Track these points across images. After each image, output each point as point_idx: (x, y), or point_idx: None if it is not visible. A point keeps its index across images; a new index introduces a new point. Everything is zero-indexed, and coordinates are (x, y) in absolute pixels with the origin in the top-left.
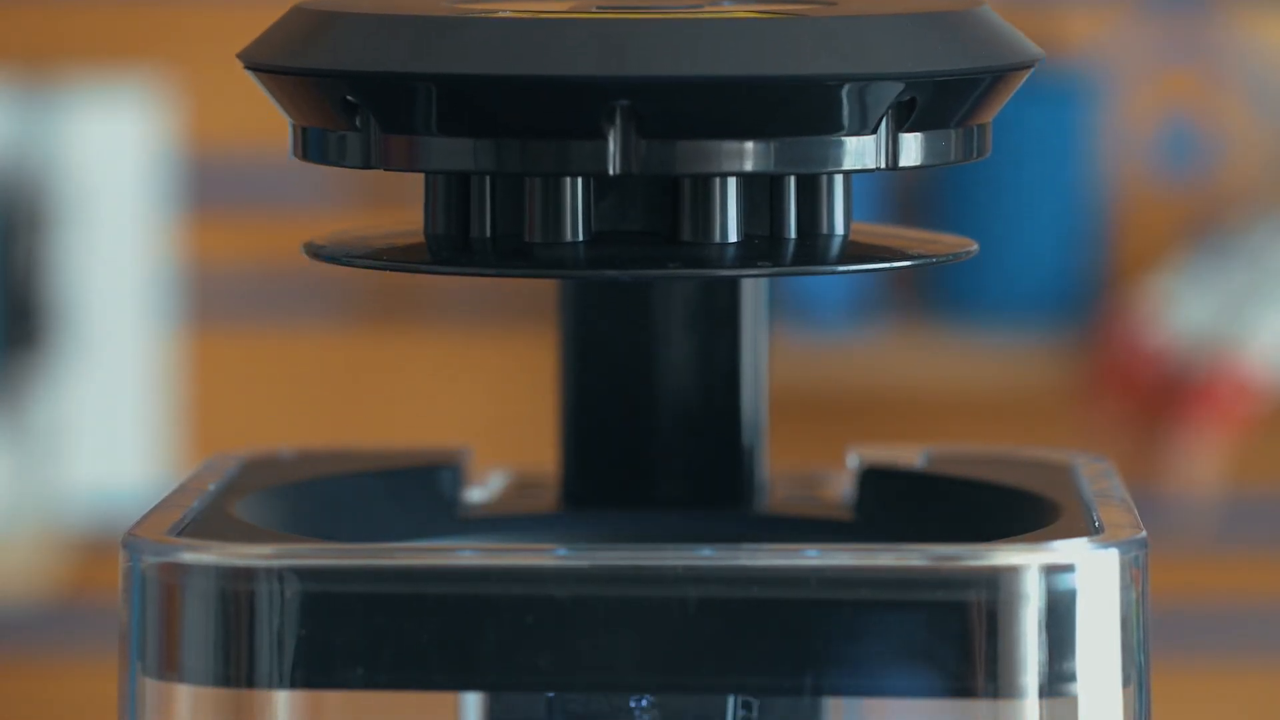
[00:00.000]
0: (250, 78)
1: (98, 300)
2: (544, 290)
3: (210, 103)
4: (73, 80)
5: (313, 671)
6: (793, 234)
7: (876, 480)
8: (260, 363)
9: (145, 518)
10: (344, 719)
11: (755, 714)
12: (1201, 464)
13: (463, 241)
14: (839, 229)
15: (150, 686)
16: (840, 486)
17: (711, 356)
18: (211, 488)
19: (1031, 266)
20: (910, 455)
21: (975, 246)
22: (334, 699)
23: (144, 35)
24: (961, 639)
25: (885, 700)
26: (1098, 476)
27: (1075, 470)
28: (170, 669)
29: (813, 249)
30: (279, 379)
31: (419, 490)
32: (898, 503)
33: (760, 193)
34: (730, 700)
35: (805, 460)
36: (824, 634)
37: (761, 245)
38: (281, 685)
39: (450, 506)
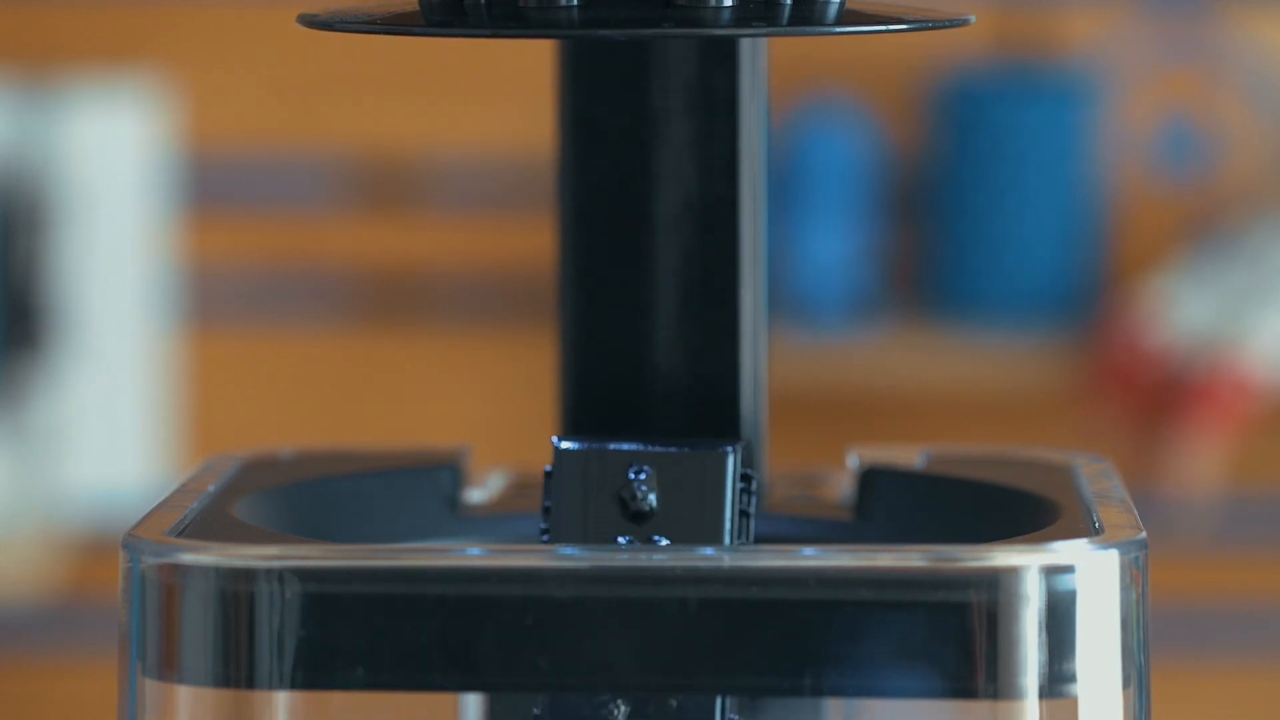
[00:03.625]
0: (250, 76)
1: (98, 300)
2: (544, 290)
3: (210, 103)
4: (73, 80)
5: (312, 672)
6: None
7: (876, 480)
8: (260, 363)
9: (145, 518)
10: (344, 719)
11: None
12: (1201, 464)
13: (457, 6)
14: None
15: (150, 686)
16: (840, 486)
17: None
18: (211, 488)
19: (1031, 266)
20: (910, 455)
21: (973, 17)
22: (334, 699)
23: (144, 35)
24: (961, 639)
25: (885, 700)
26: (1097, 477)
27: (1075, 471)
28: (170, 669)
29: (809, 12)
30: (279, 379)
31: (419, 490)
32: (898, 503)
33: None
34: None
35: (805, 460)
36: (824, 634)
37: (757, 7)
38: (281, 686)
39: (450, 506)
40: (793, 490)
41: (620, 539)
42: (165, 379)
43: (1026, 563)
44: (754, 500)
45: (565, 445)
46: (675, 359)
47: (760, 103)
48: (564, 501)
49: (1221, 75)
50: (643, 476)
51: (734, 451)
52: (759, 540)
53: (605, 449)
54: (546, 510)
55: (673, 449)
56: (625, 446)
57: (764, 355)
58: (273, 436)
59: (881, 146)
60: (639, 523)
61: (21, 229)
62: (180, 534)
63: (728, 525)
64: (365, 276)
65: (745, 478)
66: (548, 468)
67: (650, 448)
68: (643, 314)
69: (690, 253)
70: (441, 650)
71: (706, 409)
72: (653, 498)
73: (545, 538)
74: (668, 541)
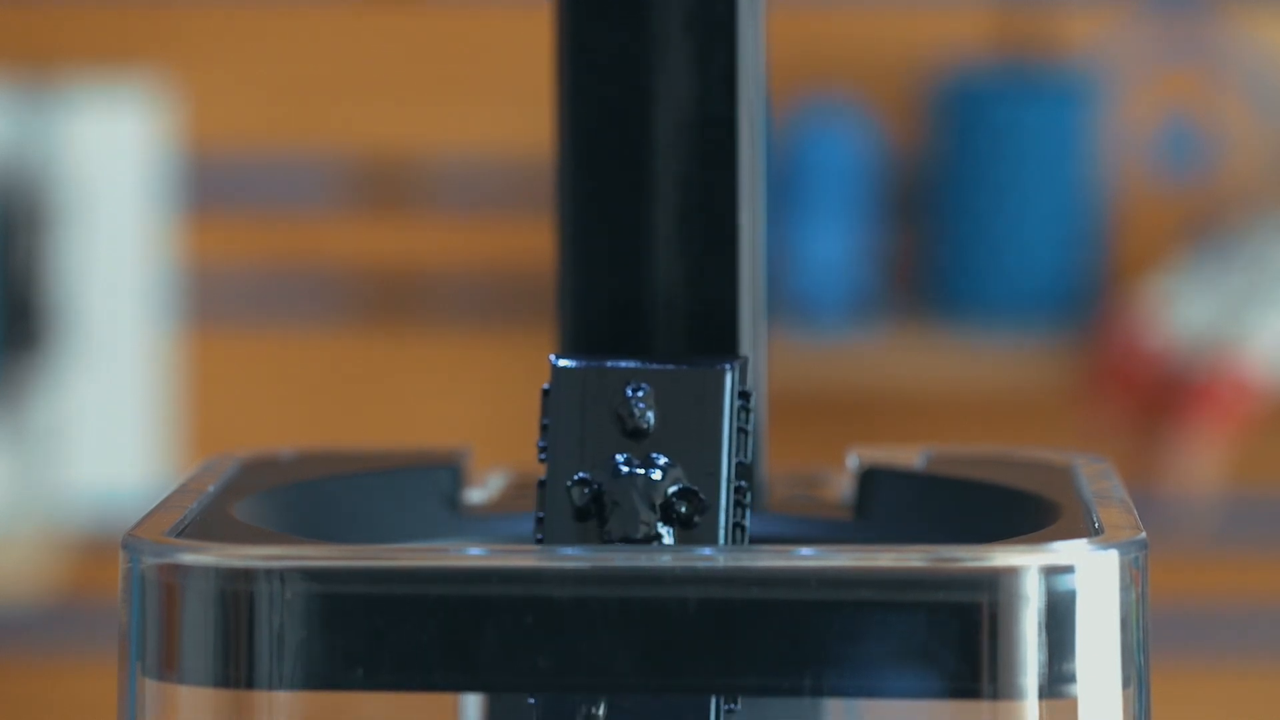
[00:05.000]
0: (250, 76)
1: (98, 300)
2: (543, 290)
3: (210, 103)
4: (73, 80)
5: (312, 672)
6: None
7: (876, 480)
8: (260, 363)
9: (145, 518)
10: (344, 719)
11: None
12: (1201, 464)
13: None
14: None
15: (150, 687)
16: (840, 486)
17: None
18: (211, 488)
19: (1031, 266)
20: (910, 455)
21: None
22: (334, 699)
23: (144, 35)
24: (961, 640)
25: (885, 700)
26: (1097, 477)
27: (1075, 471)
28: (170, 669)
29: None
30: (279, 379)
31: (419, 490)
32: (898, 503)
33: None
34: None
35: (805, 460)
36: (824, 634)
37: None
38: (281, 686)
39: (450, 506)
40: (793, 490)
41: (618, 456)
42: (165, 379)
43: (1026, 563)
44: (752, 417)
45: (563, 363)
46: (674, 280)
47: (758, 23)
48: (561, 420)
49: (1221, 75)
50: (640, 394)
51: (732, 369)
52: (759, 540)
53: (603, 367)
54: (544, 428)
55: (670, 366)
56: (623, 364)
57: (762, 275)
58: (273, 436)
59: (881, 146)
60: (637, 440)
61: (21, 229)
62: (180, 534)
63: (725, 443)
64: (365, 276)
65: (744, 395)
66: (545, 386)
67: (648, 365)
68: (641, 235)
69: (689, 173)
70: (441, 650)
71: (705, 329)
72: (650, 415)
73: (543, 456)
74: (666, 460)
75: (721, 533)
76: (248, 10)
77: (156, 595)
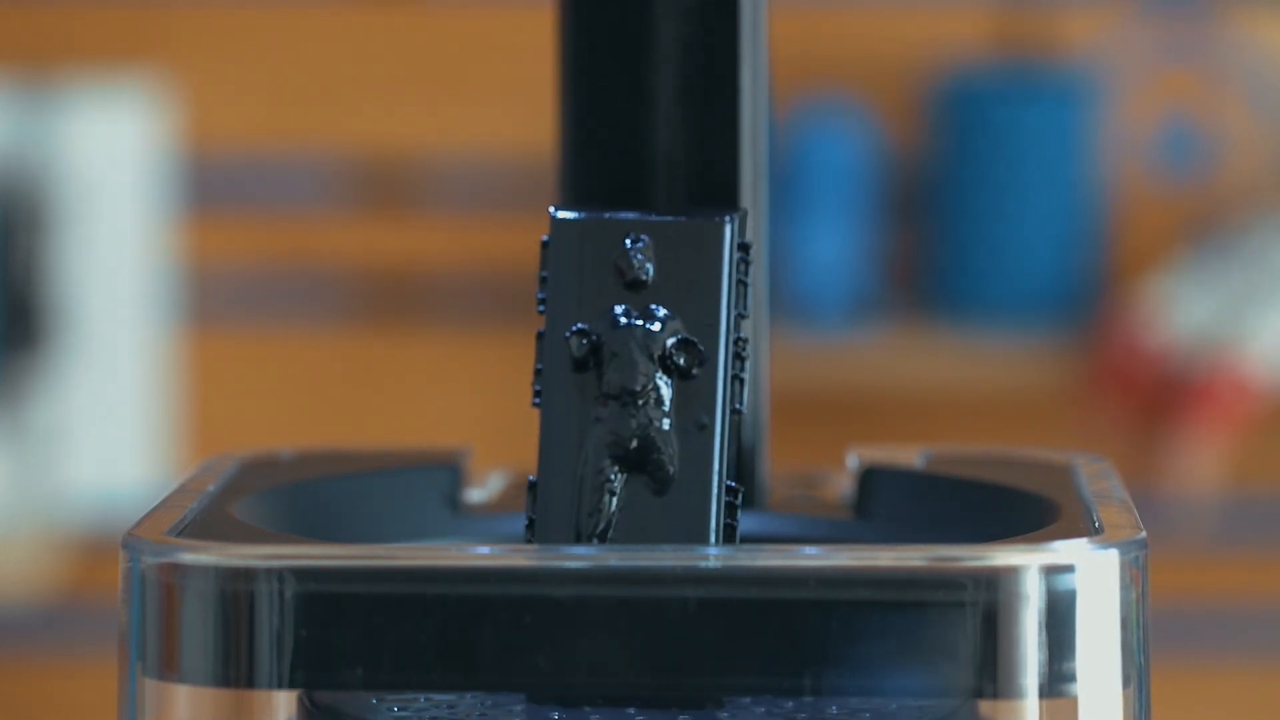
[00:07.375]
0: (250, 76)
1: (97, 300)
2: None
3: (210, 103)
4: (73, 80)
5: (312, 672)
6: None
7: (876, 480)
8: (259, 363)
9: (145, 518)
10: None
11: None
12: (1201, 464)
13: None
14: None
15: (150, 686)
16: (840, 486)
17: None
18: (211, 488)
19: (1031, 266)
20: (910, 455)
21: None
22: (333, 699)
23: (144, 35)
24: (961, 639)
25: (885, 700)
26: (1097, 477)
27: (1075, 471)
28: (170, 669)
29: None
30: (278, 379)
31: (419, 490)
32: (898, 503)
33: None
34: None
35: (805, 460)
36: (824, 634)
37: None
38: (281, 685)
39: (450, 506)
40: (793, 490)
41: (617, 307)
42: (165, 379)
43: (1026, 562)
44: (751, 270)
45: (561, 215)
46: (675, 134)
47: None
48: (560, 272)
49: (1221, 75)
50: (640, 245)
51: (732, 221)
52: (759, 539)
53: (601, 218)
54: (543, 280)
55: (670, 218)
56: (622, 215)
57: (763, 134)
58: (273, 436)
59: (881, 146)
60: (636, 291)
61: (21, 229)
62: (180, 534)
63: (725, 295)
64: (365, 276)
65: (743, 247)
66: (544, 238)
67: (647, 217)
68: (643, 88)
69: (691, 27)
70: (441, 650)
71: (706, 183)
72: (649, 266)
73: (541, 308)
74: (665, 311)
75: (720, 385)
76: (248, 10)
77: (156, 595)
